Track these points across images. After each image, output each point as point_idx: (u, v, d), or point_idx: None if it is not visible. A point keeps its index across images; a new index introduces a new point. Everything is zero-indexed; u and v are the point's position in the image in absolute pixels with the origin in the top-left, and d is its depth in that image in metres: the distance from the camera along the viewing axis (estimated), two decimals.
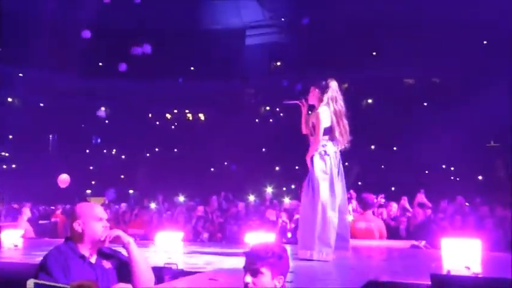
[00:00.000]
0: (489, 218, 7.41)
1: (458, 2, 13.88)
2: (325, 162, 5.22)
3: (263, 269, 2.43)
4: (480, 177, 15.57)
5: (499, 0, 12.80)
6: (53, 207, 11.61)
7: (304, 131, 5.54)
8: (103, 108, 13.00)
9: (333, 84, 5.39)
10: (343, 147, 5.35)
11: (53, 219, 10.47)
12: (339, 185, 5.28)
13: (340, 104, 5.34)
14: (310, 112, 5.54)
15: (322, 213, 5.09)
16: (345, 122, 5.36)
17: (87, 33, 12.46)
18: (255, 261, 2.46)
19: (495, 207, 8.23)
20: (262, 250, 2.49)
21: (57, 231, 10.01)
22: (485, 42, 15.58)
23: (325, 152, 5.24)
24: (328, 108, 5.28)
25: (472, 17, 13.96)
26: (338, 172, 5.31)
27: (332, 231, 5.10)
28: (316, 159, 5.22)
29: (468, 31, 14.16)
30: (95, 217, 3.21)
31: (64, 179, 10.45)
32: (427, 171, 15.89)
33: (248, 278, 2.45)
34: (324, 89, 5.36)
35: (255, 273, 2.44)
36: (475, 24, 14.18)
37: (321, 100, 5.35)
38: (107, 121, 19.12)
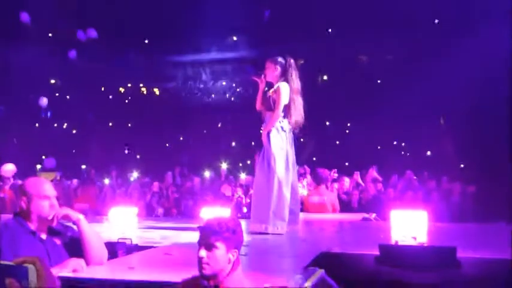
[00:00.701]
0: (435, 191, 7.73)
1: None
2: (282, 138, 5.27)
3: (217, 243, 2.47)
4: (429, 153, 16.11)
5: None
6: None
7: (259, 107, 5.53)
8: (45, 99, 12.48)
9: (292, 62, 5.41)
10: (294, 125, 5.37)
11: (1, 195, 10.11)
12: (292, 161, 5.36)
13: (297, 82, 5.38)
14: (267, 88, 5.54)
15: (278, 189, 5.16)
16: (300, 100, 5.39)
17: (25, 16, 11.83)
18: (209, 236, 2.48)
19: (442, 180, 8.59)
20: (216, 224, 2.51)
21: (5, 207, 9.69)
22: (436, 21, 15.91)
23: (281, 127, 5.29)
24: (287, 85, 5.30)
25: None
26: (291, 147, 5.37)
27: (286, 206, 5.19)
28: (273, 134, 5.25)
29: (421, 8, 14.40)
30: (40, 195, 3.12)
31: (9, 169, 9.99)
32: (379, 147, 16.27)
33: (202, 252, 2.48)
34: (284, 66, 5.36)
35: (210, 247, 2.47)
36: (427, 2, 14.45)
37: (280, 76, 5.36)
38: (57, 94, 18.48)
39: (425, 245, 4.07)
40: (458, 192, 7.49)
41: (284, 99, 5.27)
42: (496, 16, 11.61)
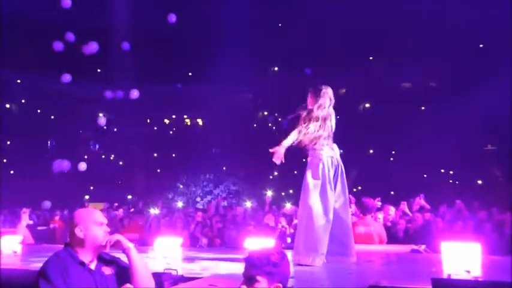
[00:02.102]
0: (487, 222, 7.42)
1: (454, 7, 13.93)
2: (318, 167, 5.19)
3: (258, 277, 2.39)
4: (480, 182, 15.56)
5: (494, 4, 12.86)
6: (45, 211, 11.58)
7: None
8: (101, 115, 12.91)
9: (325, 91, 5.37)
10: (330, 158, 5.26)
11: (51, 225, 10.43)
12: (337, 189, 5.23)
13: (322, 111, 5.28)
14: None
15: (310, 219, 5.06)
16: (328, 124, 5.30)
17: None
18: (250, 269, 2.43)
19: (493, 211, 8.25)
20: (257, 258, 2.44)
21: (55, 237, 9.97)
22: (481, 45, 15.63)
23: (319, 157, 5.22)
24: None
25: (468, 21, 14.01)
26: (335, 176, 5.25)
27: (321, 237, 5.04)
28: (311, 164, 5.20)
29: (464, 35, 14.20)
30: (95, 222, 3.19)
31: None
32: (425, 175, 15.89)
33: (243, 286, 2.42)
34: (316, 93, 5.35)
35: (250, 280, 2.40)
36: (471, 28, 14.23)
37: (315, 103, 5.35)
38: (105, 127, 19.10)
39: (480, 279, 3.89)
40: (510, 223, 7.15)
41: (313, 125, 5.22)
42: None
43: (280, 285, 2.44)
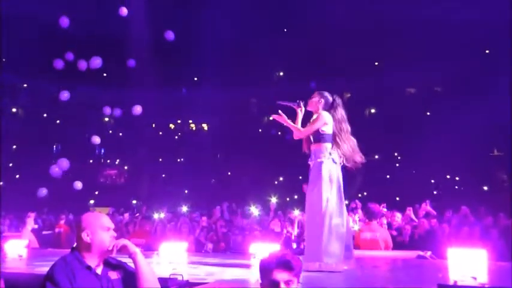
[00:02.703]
0: (494, 228, 7.38)
1: (459, 12, 13.92)
2: (333, 169, 5.16)
3: (293, 279, 2.54)
4: (485, 187, 15.48)
5: (497, 7, 12.84)
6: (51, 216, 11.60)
7: (297, 135, 5.45)
8: (97, 138, 12.91)
9: (339, 101, 5.37)
10: (344, 159, 5.28)
11: (56, 230, 10.44)
12: (343, 195, 5.23)
13: (344, 124, 5.29)
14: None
15: (330, 223, 5.03)
16: (353, 139, 5.31)
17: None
18: (267, 270, 2.52)
19: (499, 216, 8.20)
20: (274, 259, 2.55)
21: (60, 241, 9.99)
22: (487, 51, 15.59)
23: (333, 159, 5.19)
24: (330, 115, 5.26)
25: (472, 25, 13.99)
26: (339, 183, 5.25)
27: (341, 241, 5.04)
28: (325, 166, 5.14)
29: (469, 40, 14.18)
30: (102, 227, 3.20)
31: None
32: (432, 181, 15.83)
33: (284, 275, 2.50)
34: (329, 102, 5.33)
35: (271, 281, 2.51)
36: (475, 33, 14.20)
37: (322, 109, 5.32)
38: (110, 131, 19.17)
39: (486, 285, 3.87)
40: None
41: (326, 128, 5.21)
42: None
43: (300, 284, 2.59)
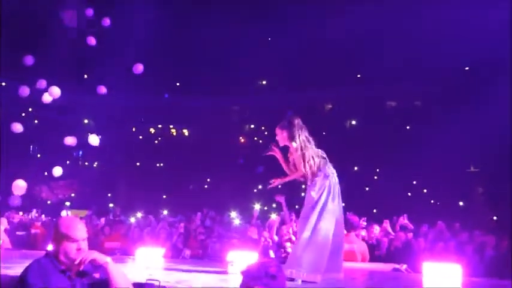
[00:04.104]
0: (469, 244, 7.49)
1: (441, 28, 14.17)
2: (325, 184, 5.24)
3: None
4: (461, 203, 15.71)
5: (480, 30, 13.11)
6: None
7: (288, 171, 5.59)
8: (71, 138, 12.51)
9: (298, 121, 5.45)
10: (329, 180, 5.34)
11: (32, 231, 10.26)
12: (338, 207, 5.28)
13: (302, 139, 5.37)
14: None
15: (311, 235, 5.09)
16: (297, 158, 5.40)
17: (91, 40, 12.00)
18: (248, 281, 2.46)
19: (475, 233, 8.33)
20: (256, 270, 2.49)
21: (36, 243, 9.79)
22: (466, 68, 15.88)
23: (324, 174, 5.28)
24: (298, 143, 5.35)
25: (453, 44, 14.26)
26: (338, 194, 5.32)
27: (319, 254, 5.06)
28: (317, 181, 5.24)
29: (450, 57, 14.42)
30: (70, 238, 3.10)
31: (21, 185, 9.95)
32: (409, 194, 16.01)
33: None
34: (289, 128, 5.42)
35: None
36: (456, 51, 14.46)
37: (289, 138, 5.41)
38: (89, 134, 18.92)
39: None
40: (492, 246, 7.23)
41: (299, 153, 5.30)
42: None
43: None
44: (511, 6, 11.90)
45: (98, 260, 3.12)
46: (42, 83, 11.21)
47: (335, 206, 5.23)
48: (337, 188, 5.33)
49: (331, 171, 5.34)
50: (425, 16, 14.11)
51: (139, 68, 11.49)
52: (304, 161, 5.28)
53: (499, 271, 6.14)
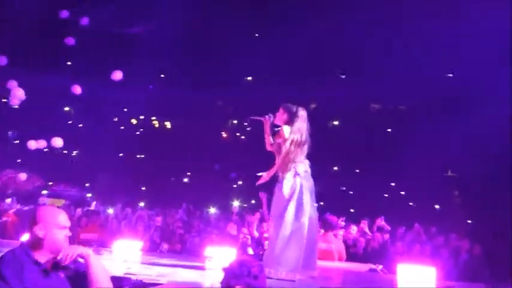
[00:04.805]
0: (444, 248, 7.61)
1: (426, 35, 14.32)
2: (295, 182, 5.23)
3: (237, 287, 2.45)
4: (437, 206, 15.94)
5: (467, 39, 13.29)
6: None
7: (269, 147, 5.55)
8: (59, 140, 12.33)
9: (303, 114, 5.42)
10: (305, 178, 5.33)
11: (3, 218, 10.03)
12: (308, 205, 5.28)
13: (302, 135, 5.35)
14: (276, 129, 5.57)
15: (285, 235, 5.10)
16: (306, 147, 5.39)
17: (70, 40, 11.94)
18: (230, 279, 2.47)
19: (451, 236, 8.48)
20: (238, 268, 2.49)
21: (6, 231, 9.56)
22: (450, 75, 16.07)
23: (295, 172, 5.26)
24: (289, 131, 5.32)
25: (439, 48, 14.42)
26: (310, 193, 5.32)
27: (294, 252, 5.09)
28: (287, 179, 5.23)
29: (433, 64, 14.58)
30: (58, 225, 3.08)
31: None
32: (386, 195, 16.16)
33: None
34: (291, 113, 5.39)
35: None
36: (439, 58, 14.62)
37: (285, 122, 5.39)
38: (70, 122, 18.68)
39: None
40: (466, 250, 7.37)
41: (281, 141, 5.29)
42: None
43: None
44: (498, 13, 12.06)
45: (82, 253, 3.08)
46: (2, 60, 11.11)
47: (309, 205, 5.25)
48: (310, 187, 5.33)
49: (303, 169, 5.32)
50: (413, 23, 14.22)
51: (117, 75, 11.40)
52: (286, 153, 5.24)
53: (473, 275, 6.26)
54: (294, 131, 5.28)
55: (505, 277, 6.19)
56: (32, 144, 11.32)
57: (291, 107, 5.43)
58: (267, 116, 5.52)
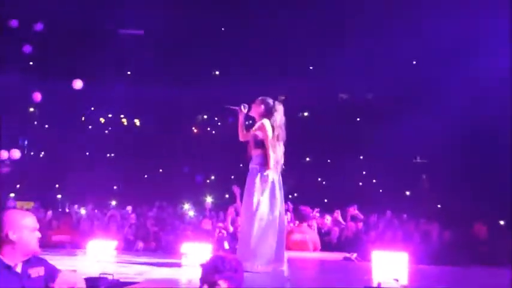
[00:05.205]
0: (415, 232, 7.78)
1: (395, 24, 14.48)
2: (269, 176, 5.27)
3: (220, 282, 2.48)
4: (408, 193, 16.26)
5: (429, 25, 13.51)
6: None
7: (242, 137, 5.59)
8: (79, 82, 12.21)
9: (280, 108, 5.47)
10: (276, 173, 5.38)
11: None
12: (279, 199, 5.33)
13: (281, 129, 5.41)
14: (251, 122, 5.60)
15: (259, 227, 5.13)
16: (282, 148, 5.44)
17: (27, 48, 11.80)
18: (211, 274, 2.48)
19: (420, 221, 8.66)
20: (220, 263, 2.52)
21: None
22: (414, 62, 16.32)
23: (269, 165, 5.29)
24: (269, 124, 5.35)
25: (403, 38, 14.62)
26: (279, 186, 5.36)
27: (268, 245, 5.14)
28: (263, 171, 5.25)
29: (399, 50, 14.77)
30: (28, 227, 3.06)
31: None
32: (360, 183, 16.40)
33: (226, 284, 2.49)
34: (269, 107, 5.42)
35: (212, 285, 2.48)
36: (405, 44, 14.83)
37: (262, 115, 5.42)
38: (35, 122, 18.26)
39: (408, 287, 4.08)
40: (436, 234, 7.55)
41: (270, 134, 5.31)
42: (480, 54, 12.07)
43: None
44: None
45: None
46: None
47: (278, 198, 5.30)
48: (280, 181, 5.38)
49: (275, 163, 5.34)
50: (381, 10, 14.34)
51: (77, 84, 11.39)
52: (266, 146, 5.24)
53: (443, 258, 6.42)
54: (275, 126, 5.33)
55: (473, 260, 6.37)
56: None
57: (268, 100, 5.47)
58: (242, 106, 5.55)
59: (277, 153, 5.34)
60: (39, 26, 11.50)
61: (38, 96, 12.07)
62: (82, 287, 3.11)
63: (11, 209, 3.33)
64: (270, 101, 5.47)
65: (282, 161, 5.41)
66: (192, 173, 17.17)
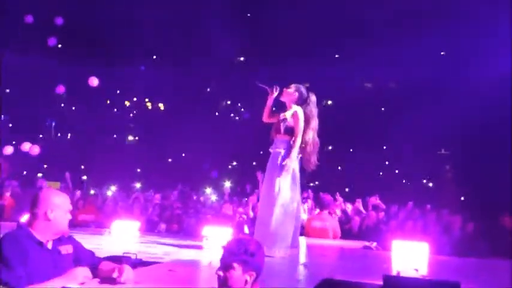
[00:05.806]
0: (436, 223, 7.73)
1: (420, 16, 14.26)
2: (295, 164, 5.30)
3: (234, 264, 2.52)
4: (430, 184, 16.10)
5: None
6: None
7: (265, 119, 5.59)
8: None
9: (314, 99, 5.47)
10: (309, 163, 5.41)
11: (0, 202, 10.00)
12: (298, 186, 5.37)
13: (316, 121, 5.42)
14: (275, 109, 5.61)
15: (281, 213, 5.17)
16: (317, 140, 5.44)
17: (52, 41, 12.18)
18: (227, 256, 2.55)
19: (443, 212, 8.60)
20: (235, 246, 2.57)
21: (3, 215, 9.57)
22: (442, 53, 16.07)
23: (294, 153, 5.32)
24: (302, 111, 5.36)
25: (431, 26, 14.39)
26: (299, 175, 5.39)
27: (289, 230, 5.18)
28: (291, 158, 5.25)
29: (427, 41, 14.56)
30: (63, 209, 3.17)
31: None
32: (381, 173, 16.30)
33: (220, 271, 2.56)
34: (303, 97, 5.42)
35: (227, 267, 2.54)
36: (433, 34, 14.60)
37: (295, 102, 5.41)
38: (62, 104, 18.59)
39: (427, 277, 4.08)
40: (458, 226, 7.49)
41: (302, 125, 5.31)
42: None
43: (254, 274, 2.56)
44: None
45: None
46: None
47: (298, 185, 5.34)
48: (299, 168, 5.40)
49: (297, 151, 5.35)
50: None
51: (94, 81, 11.65)
52: (296, 134, 5.24)
53: (464, 250, 6.38)
54: (310, 115, 5.32)
55: (496, 252, 6.32)
56: (8, 150, 11.53)
57: (302, 89, 5.45)
58: (274, 88, 5.52)
59: (310, 143, 5.34)
60: (59, 20, 11.93)
61: (61, 89, 12.44)
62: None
63: (48, 188, 3.43)
64: (304, 89, 5.46)
65: (312, 156, 5.40)
66: (215, 157, 17.24)
